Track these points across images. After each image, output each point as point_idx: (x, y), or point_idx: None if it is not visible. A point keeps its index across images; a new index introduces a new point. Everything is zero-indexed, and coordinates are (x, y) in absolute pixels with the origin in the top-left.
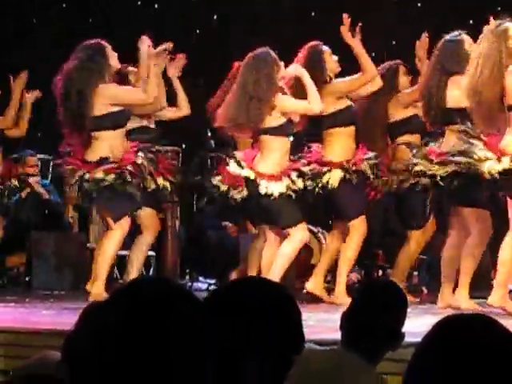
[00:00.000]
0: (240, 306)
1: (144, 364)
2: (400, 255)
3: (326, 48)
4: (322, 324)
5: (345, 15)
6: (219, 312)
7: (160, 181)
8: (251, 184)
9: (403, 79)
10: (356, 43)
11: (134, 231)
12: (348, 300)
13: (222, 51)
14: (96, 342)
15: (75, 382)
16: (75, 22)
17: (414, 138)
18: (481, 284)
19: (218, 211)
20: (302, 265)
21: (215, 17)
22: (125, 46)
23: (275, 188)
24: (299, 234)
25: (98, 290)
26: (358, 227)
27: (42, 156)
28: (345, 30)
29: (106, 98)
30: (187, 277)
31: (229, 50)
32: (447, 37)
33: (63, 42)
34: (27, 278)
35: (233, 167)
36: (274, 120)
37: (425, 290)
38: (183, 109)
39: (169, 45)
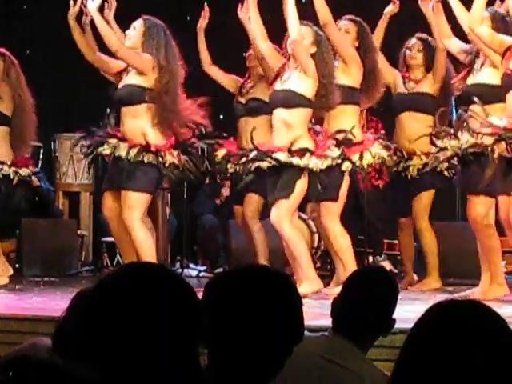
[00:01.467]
0: (242, 293)
1: (134, 349)
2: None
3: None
4: (313, 310)
5: None
6: (221, 299)
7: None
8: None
9: None
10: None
11: None
12: None
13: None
14: (86, 328)
15: (66, 368)
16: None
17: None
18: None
19: (210, 197)
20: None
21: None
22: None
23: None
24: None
25: None
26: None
27: (32, 143)
28: None
29: None
30: (178, 264)
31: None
32: None
33: None
34: (18, 265)
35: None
36: None
37: (415, 277)
38: None
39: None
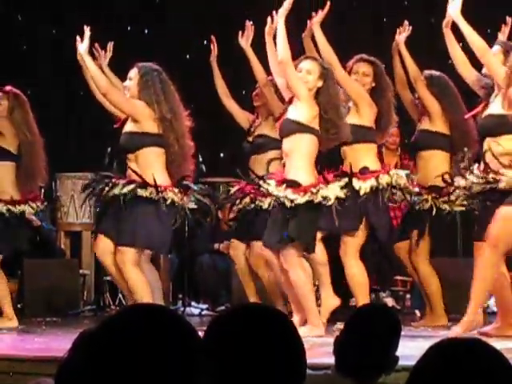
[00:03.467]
0: (242, 334)
1: None
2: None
3: None
4: (316, 348)
5: None
6: (221, 339)
7: None
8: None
9: None
10: None
11: None
12: None
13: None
14: (89, 369)
15: None
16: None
17: None
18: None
19: (210, 235)
20: None
21: (205, 42)
22: None
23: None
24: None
25: None
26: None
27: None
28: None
29: None
30: (179, 302)
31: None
32: None
33: None
34: (19, 305)
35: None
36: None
37: (418, 313)
38: None
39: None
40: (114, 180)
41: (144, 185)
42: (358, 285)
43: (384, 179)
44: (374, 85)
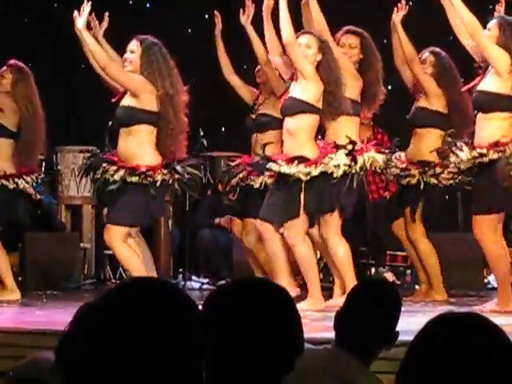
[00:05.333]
0: (241, 307)
1: (137, 363)
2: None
3: None
4: (316, 323)
5: None
6: (220, 313)
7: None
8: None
9: None
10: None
11: None
12: None
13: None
14: (89, 342)
15: (70, 383)
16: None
17: None
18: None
19: (211, 209)
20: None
21: (206, 16)
22: None
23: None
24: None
25: None
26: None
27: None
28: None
29: None
30: (180, 276)
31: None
32: None
33: None
34: (20, 278)
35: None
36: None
37: (416, 287)
38: None
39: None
40: (105, 165)
41: (133, 171)
42: (343, 263)
43: (357, 166)
44: (361, 56)
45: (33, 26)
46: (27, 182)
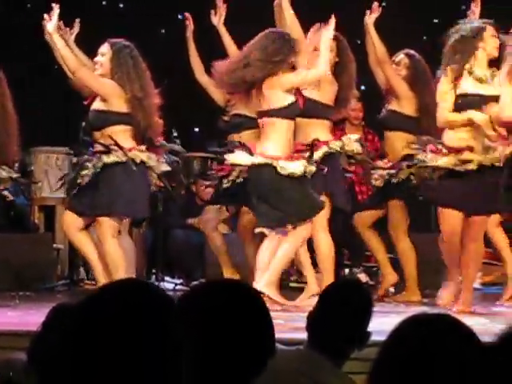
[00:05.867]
0: (213, 308)
1: (114, 362)
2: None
3: None
4: (290, 323)
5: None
6: (192, 313)
7: None
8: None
9: None
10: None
11: None
12: None
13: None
14: (65, 342)
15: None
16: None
17: None
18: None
19: (184, 210)
20: None
21: (179, 16)
22: None
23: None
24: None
25: None
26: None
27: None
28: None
29: None
30: (153, 277)
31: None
32: None
33: None
34: None
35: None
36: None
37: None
38: None
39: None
40: (84, 163)
41: (108, 151)
42: (325, 259)
43: (335, 144)
44: (336, 60)
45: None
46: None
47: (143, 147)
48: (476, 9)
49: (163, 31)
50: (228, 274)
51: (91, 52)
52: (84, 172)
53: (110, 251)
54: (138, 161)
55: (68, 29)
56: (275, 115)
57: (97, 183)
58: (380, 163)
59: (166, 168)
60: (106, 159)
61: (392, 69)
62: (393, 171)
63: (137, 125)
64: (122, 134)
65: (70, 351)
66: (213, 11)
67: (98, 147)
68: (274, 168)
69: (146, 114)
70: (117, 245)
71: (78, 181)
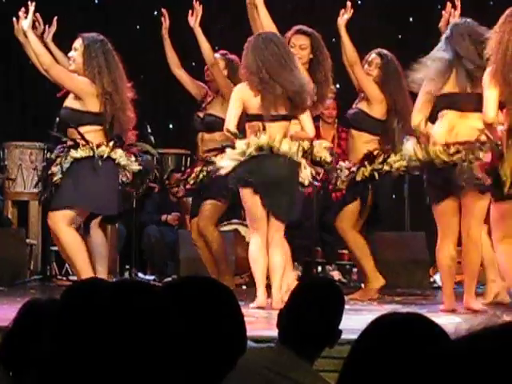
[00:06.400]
0: (185, 305)
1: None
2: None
3: None
4: (261, 320)
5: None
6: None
7: None
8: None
9: None
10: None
11: None
12: None
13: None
14: (44, 338)
15: (15, 378)
16: None
17: None
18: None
19: (158, 206)
20: (242, 261)
21: (155, 13)
22: None
23: None
24: None
25: None
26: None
27: None
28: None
29: None
30: (126, 273)
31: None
32: None
33: None
34: None
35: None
36: None
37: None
38: None
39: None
40: (55, 158)
41: (76, 145)
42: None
43: (304, 144)
44: (311, 57)
45: None
46: None
47: (112, 144)
48: (456, 12)
49: (138, 27)
50: (225, 274)
51: (66, 47)
52: (55, 169)
53: (66, 240)
54: (105, 156)
55: (47, 26)
56: None
57: (64, 177)
58: (343, 165)
59: (136, 167)
60: (74, 154)
61: (362, 71)
62: (354, 169)
63: (106, 121)
64: (94, 134)
65: (47, 347)
66: (190, 12)
67: (69, 142)
68: None
69: (115, 109)
70: (74, 233)
71: (54, 179)
